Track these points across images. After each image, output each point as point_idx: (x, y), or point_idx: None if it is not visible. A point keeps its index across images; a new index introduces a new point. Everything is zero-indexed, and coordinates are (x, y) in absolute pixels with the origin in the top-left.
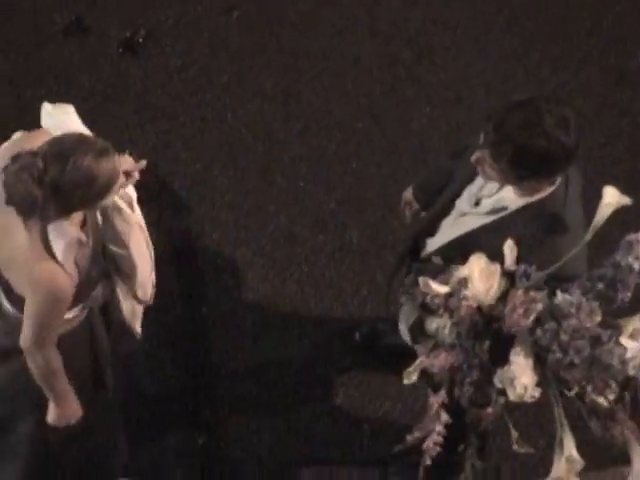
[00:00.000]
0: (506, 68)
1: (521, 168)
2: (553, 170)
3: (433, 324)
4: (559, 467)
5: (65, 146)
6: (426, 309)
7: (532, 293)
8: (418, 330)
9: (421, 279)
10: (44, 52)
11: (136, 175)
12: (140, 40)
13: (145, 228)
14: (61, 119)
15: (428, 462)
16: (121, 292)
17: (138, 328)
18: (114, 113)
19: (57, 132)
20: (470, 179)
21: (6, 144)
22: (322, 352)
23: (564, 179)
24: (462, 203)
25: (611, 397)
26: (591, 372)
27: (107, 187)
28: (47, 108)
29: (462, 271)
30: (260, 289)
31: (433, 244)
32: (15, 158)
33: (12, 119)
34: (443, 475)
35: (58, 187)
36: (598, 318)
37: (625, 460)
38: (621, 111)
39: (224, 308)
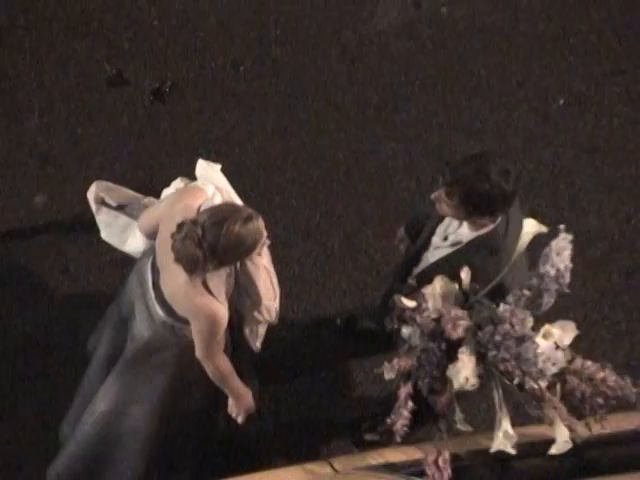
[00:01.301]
0: (452, 113)
1: (468, 205)
2: (493, 210)
3: (406, 331)
4: (498, 440)
5: (219, 216)
6: (401, 320)
7: (457, 312)
8: (397, 335)
9: (395, 296)
10: (92, 99)
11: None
12: (167, 90)
13: (270, 268)
14: (211, 175)
15: (399, 440)
16: (245, 319)
17: (258, 344)
18: (146, 148)
19: (207, 185)
20: (440, 220)
21: (172, 193)
22: (311, 335)
23: (505, 218)
24: (436, 239)
25: (544, 384)
26: (519, 365)
27: (253, 246)
28: (202, 164)
29: (428, 289)
30: None
31: (417, 270)
32: (180, 227)
33: (68, 155)
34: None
35: (215, 250)
36: (530, 322)
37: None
38: (546, 143)
39: None
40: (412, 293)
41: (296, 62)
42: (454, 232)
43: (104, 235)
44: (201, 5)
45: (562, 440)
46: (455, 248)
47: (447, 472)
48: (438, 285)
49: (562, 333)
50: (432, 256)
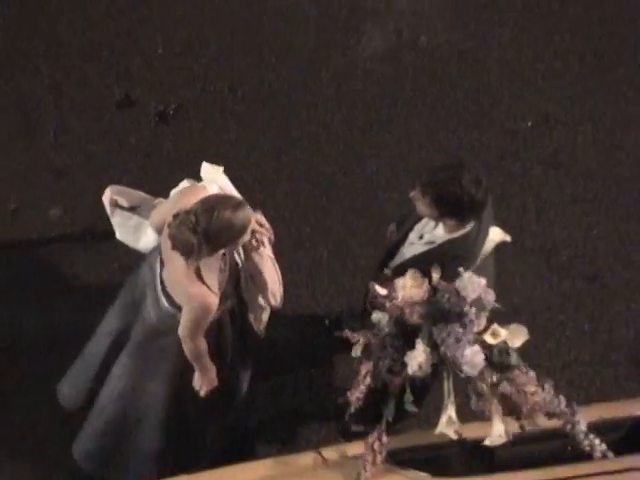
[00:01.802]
0: (433, 136)
1: (440, 207)
2: (462, 215)
3: (376, 316)
4: (442, 424)
5: (210, 204)
6: (373, 305)
7: (417, 301)
8: (367, 319)
9: (370, 283)
10: (103, 119)
11: (267, 227)
12: (171, 112)
13: (273, 257)
14: (214, 177)
15: (352, 410)
16: (250, 306)
17: (262, 328)
18: (152, 164)
19: (211, 185)
20: (419, 219)
21: (178, 192)
22: (301, 335)
23: (478, 225)
24: (413, 235)
25: (490, 381)
26: (455, 362)
27: (243, 230)
28: (206, 166)
29: (400, 281)
30: None
31: (394, 263)
32: (176, 216)
33: (81, 171)
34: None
35: (208, 234)
36: (483, 323)
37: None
38: (515, 160)
39: None
40: (386, 282)
41: (289, 86)
42: (430, 232)
43: (119, 235)
44: (202, 34)
45: (496, 435)
46: (428, 247)
47: (381, 455)
48: (409, 278)
49: (513, 335)
50: (408, 251)
